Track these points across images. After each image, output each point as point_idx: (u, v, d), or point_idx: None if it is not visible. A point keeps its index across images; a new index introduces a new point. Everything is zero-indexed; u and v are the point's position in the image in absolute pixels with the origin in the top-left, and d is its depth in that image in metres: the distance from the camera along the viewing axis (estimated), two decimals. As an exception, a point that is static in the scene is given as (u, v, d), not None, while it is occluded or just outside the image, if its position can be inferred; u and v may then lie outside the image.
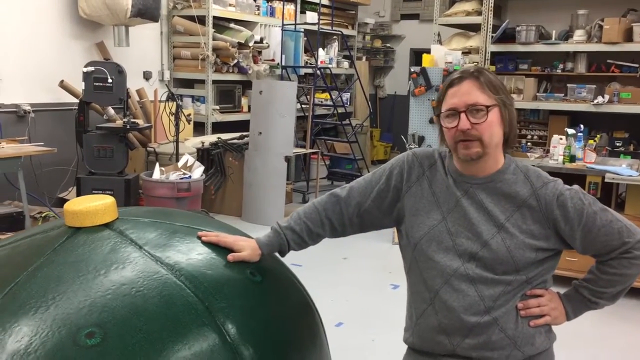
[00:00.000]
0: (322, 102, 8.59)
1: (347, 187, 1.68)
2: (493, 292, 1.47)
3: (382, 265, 5.11)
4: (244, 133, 6.61)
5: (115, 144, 5.18)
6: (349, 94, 9.49)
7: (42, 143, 5.01)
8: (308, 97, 7.89)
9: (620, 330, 3.84)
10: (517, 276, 1.47)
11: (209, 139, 6.50)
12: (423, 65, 5.77)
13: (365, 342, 3.68)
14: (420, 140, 5.78)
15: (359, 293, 4.47)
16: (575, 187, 1.51)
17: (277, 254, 1.68)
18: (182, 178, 5.06)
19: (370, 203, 1.63)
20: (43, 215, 4.91)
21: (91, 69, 5.08)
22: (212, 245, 1.57)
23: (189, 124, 6.42)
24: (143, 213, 1.72)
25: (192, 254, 1.51)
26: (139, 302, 1.32)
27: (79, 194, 5.19)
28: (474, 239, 1.48)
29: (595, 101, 6.35)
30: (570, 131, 4.56)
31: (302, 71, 8.43)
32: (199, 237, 1.57)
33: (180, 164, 5.32)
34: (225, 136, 6.57)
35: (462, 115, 1.47)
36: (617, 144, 6.52)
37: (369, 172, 7.39)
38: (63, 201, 5.65)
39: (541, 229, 1.47)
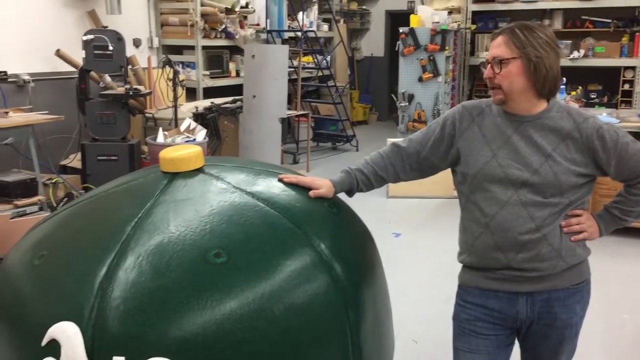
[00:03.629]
0: (304, 65, 8.76)
1: (407, 139, 1.95)
2: (542, 214, 1.73)
3: (381, 217, 5.42)
4: (237, 97, 6.76)
5: (118, 111, 5.30)
6: (329, 56, 9.66)
7: (46, 112, 5.11)
8: (293, 60, 8.05)
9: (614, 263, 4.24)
10: (561, 199, 1.74)
11: (203, 103, 6.64)
12: (411, 25, 5.99)
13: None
14: (410, 98, 6.04)
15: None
16: (610, 121, 1.79)
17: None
18: (187, 141, 5.23)
19: (428, 150, 1.89)
20: (53, 181, 5.05)
21: (91, 37, 5.16)
22: (290, 184, 1.81)
23: (183, 89, 6.56)
24: (223, 161, 1.95)
25: (278, 191, 1.76)
26: (250, 229, 1.57)
27: (83, 161, 5.33)
28: (524, 169, 1.74)
29: (572, 56, 6.68)
30: (555, 84, 4.87)
31: (286, 35, 8.56)
32: (280, 179, 1.82)
33: (182, 127, 5.49)
34: (217, 101, 6.72)
35: (488, 66, 1.75)
36: (592, 96, 6.89)
37: (352, 132, 7.62)
38: (66, 168, 5.77)
39: (582, 157, 1.74)
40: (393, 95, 6.22)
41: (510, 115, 1.79)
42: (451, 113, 1.89)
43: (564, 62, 6.73)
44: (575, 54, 6.71)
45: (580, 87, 6.83)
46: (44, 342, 1.41)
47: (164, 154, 1.79)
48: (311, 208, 1.75)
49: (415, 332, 3.30)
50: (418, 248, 4.69)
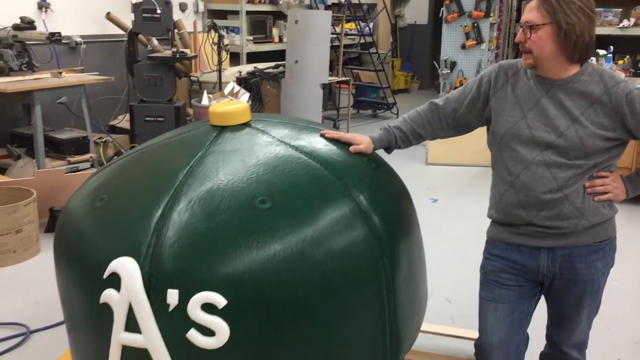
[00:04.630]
0: (347, 32, 8.75)
1: (444, 97, 2.02)
2: (565, 175, 1.78)
3: (419, 183, 5.47)
4: (279, 62, 6.84)
5: (165, 73, 5.45)
6: (372, 23, 9.62)
7: (97, 73, 5.30)
8: (336, 27, 8.06)
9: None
10: (586, 161, 1.78)
11: (246, 68, 6.74)
12: (455, -9, 5.94)
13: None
14: (452, 65, 6.02)
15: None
16: None
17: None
18: (230, 104, 5.36)
19: (465, 108, 1.95)
20: (103, 140, 5.26)
21: (140, 0, 5.30)
22: (332, 140, 1.91)
23: (227, 54, 6.67)
24: (268, 117, 2.05)
25: (320, 145, 1.86)
26: (293, 179, 1.67)
27: (132, 121, 5.52)
28: (550, 131, 1.78)
29: (621, 24, 6.50)
30: (601, 52, 4.80)
31: (329, 1, 8.56)
32: (322, 135, 1.91)
33: (226, 91, 5.61)
34: (260, 66, 6.81)
35: (520, 30, 1.79)
36: (641, 67, 6.71)
37: (393, 100, 7.63)
38: (115, 128, 5.99)
39: (610, 121, 1.76)
40: (435, 63, 6.20)
41: (541, 78, 1.82)
42: (487, 72, 1.94)
43: (613, 30, 6.56)
44: (625, 22, 6.52)
45: (628, 56, 6.66)
46: (106, 275, 1.55)
47: (214, 108, 1.90)
48: (351, 162, 1.84)
49: (449, 292, 3.39)
50: (455, 213, 4.74)
